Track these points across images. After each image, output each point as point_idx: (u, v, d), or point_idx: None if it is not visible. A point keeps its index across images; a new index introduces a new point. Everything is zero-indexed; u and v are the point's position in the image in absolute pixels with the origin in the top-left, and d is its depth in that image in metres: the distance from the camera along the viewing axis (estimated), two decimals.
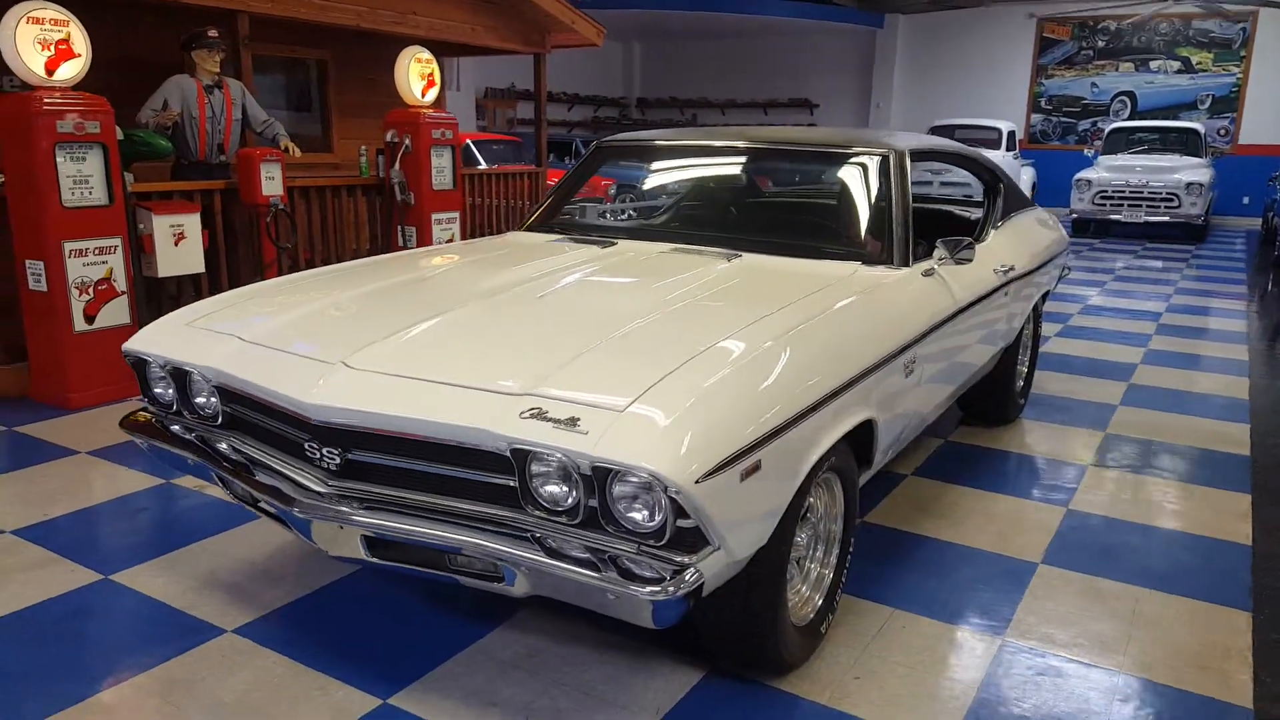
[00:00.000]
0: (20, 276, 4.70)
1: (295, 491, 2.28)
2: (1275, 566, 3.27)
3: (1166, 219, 12.88)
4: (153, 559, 3.12)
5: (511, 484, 2.05)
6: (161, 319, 2.79)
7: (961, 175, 11.90)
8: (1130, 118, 16.75)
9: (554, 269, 3.06)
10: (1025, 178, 16.46)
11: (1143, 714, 2.42)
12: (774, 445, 2.08)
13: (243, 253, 5.89)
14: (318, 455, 2.25)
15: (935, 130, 15.89)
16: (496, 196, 8.63)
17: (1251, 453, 4.41)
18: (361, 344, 2.34)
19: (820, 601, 2.62)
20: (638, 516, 1.94)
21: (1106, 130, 14.68)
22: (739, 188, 4.02)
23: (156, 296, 5.43)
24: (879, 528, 3.50)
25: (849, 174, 3.46)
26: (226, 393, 2.51)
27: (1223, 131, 16.31)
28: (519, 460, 2.00)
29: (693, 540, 1.94)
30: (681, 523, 1.91)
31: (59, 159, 4.50)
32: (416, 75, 6.59)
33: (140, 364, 2.70)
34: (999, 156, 14.92)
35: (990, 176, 4.41)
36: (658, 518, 1.92)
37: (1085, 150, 15.20)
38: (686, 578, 1.90)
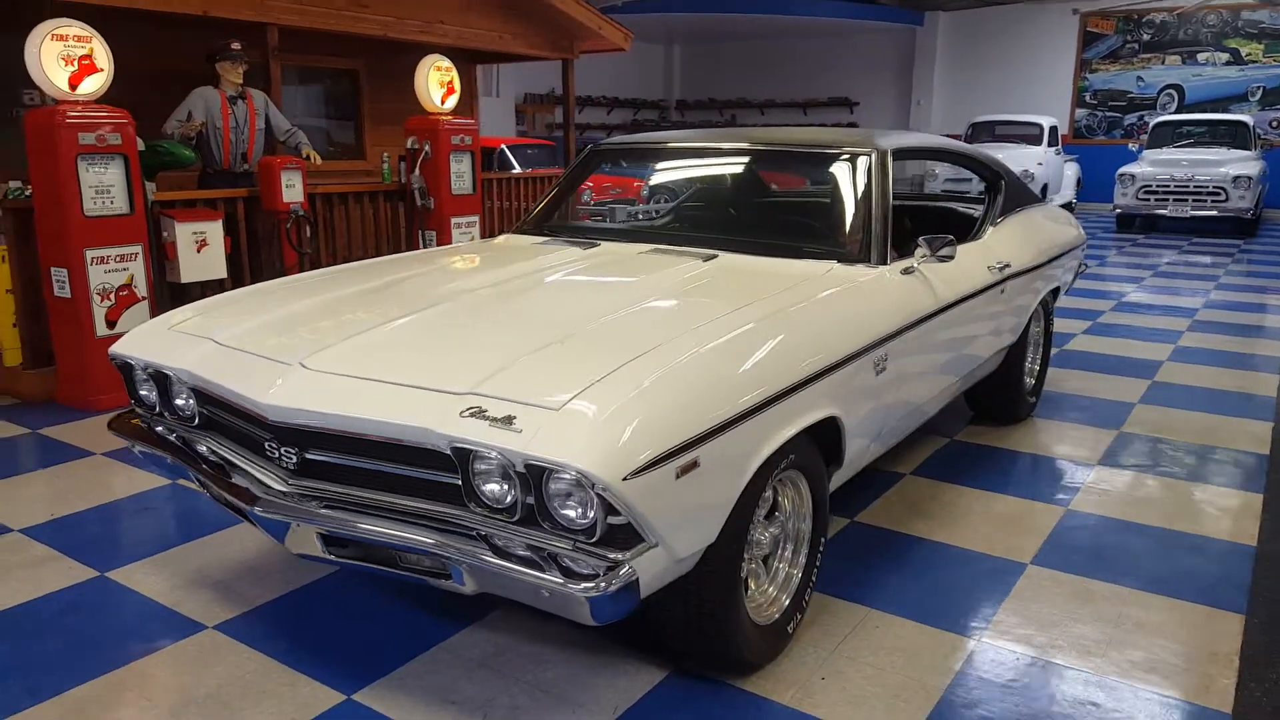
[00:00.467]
0: (46, 283, 4.87)
1: (260, 490, 2.34)
2: (1278, 569, 3.18)
3: (1214, 213, 12.52)
4: (148, 557, 3.22)
5: (457, 482, 2.08)
6: (146, 323, 2.88)
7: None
8: (1178, 111, 16.32)
9: (532, 270, 3.10)
10: (1069, 173, 16.12)
11: (1112, 719, 2.37)
12: (715, 443, 2.09)
13: (265, 258, 6.03)
14: (277, 454, 2.31)
15: (974, 126, 15.67)
16: (524, 199, 8.72)
17: (1271, 451, 4.28)
18: (322, 345, 2.40)
19: (788, 602, 2.61)
20: (571, 514, 1.96)
21: (1151, 124, 14.33)
22: (723, 188, 4.02)
23: (180, 302, 5.57)
24: (868, 527, 3.46)
25: (829, 174, 3.44)
26: (201, 394, 2.59)
27: (1275, 124, 15.80)
28: (461, 459, 2.03)
29: (626, 537, 1.95)
30: (613, 520, 1.92)
31: (81, 170, 4.66)
32: (436, 83, 6.69)
33: (126, 367, 2.79)
34: (1040, 152, 14.65)
35: (990, 173, 4.34)
36: (590, 515, 1.93)
37: (1130, 145, 14.85)
38: (620, 574, 1.91)
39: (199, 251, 5.42)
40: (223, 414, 2.54)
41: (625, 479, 1.87)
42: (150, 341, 2.75)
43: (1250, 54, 16.04)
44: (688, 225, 3.91)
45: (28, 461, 4.20)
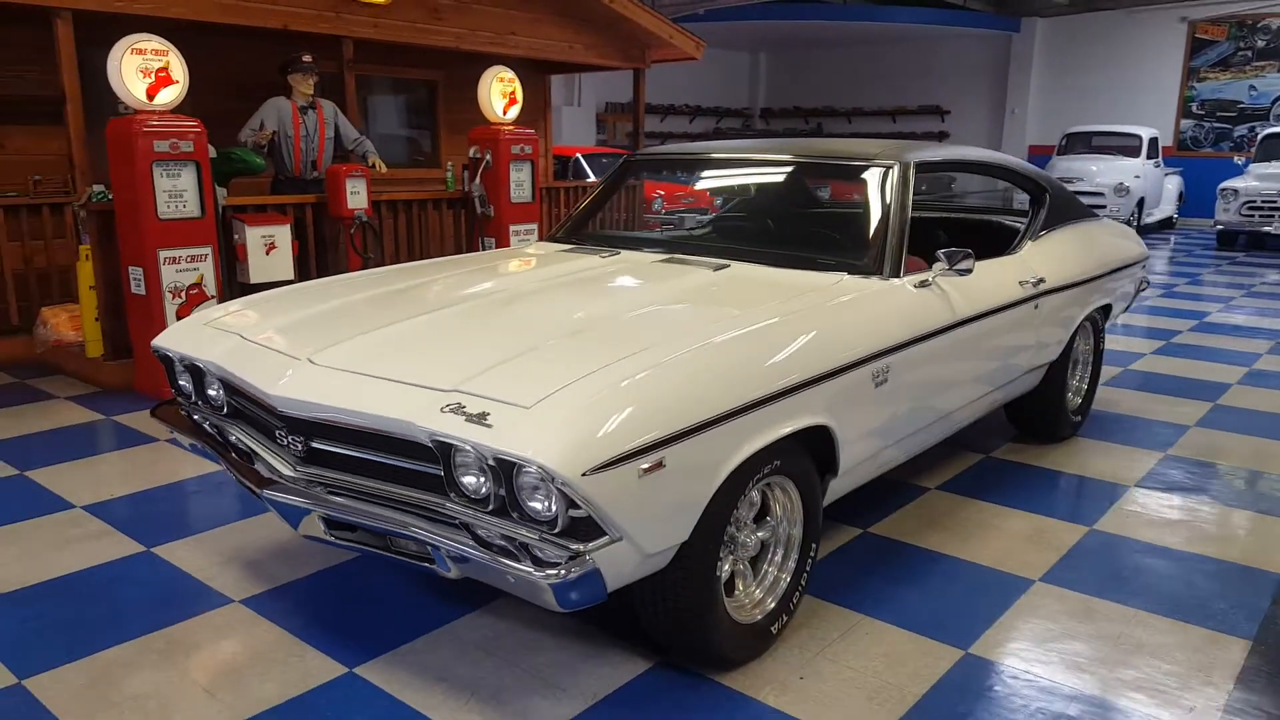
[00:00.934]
0: (125, 281, 5.23)
1: (271, 474, 2.53)
2: None
3: None
4: (191, 535, 3.46)
5: (440, 473, 2.22)
6: (185, 319, 3.11)
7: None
8: None
9: (548, 275, 3.23)
10: (1170, 187, 15.55)
11: None
12: (683, 445, 2.17)
13: (330, 261, 6.32)
14: (287, 442, 2.49)
15: (1069, 137, 15.24)
16: None
17: None
18: (333, 342, 2.57)
19: (774, 604, 2.67)
20: (538, 505, 2.08)
21: (1260, 136, 13.70)
22: (752, 199, 4.09)
23: None
24: (879, 538, 3.48)
25: (849, 186, 3.48)
26: (228, 385, 2.79)
27: None
28: (443, 452, 2.16)
29: (589, 530, 2.06)
30: (574, 513, 2.03)
31: (156, 175, 4.99)
32: (498, 94, 6.91)
33: (166, 359, 3.02)
34: (1138, 165, 14.17)
35: (1033, 186, 4.30)
36: (553, 507, 2.05)
37: (1235, 158, 14.24)
38: (580, 564, 2.02)
39: (268, 254, 5.73)
40: (246, 404, 2.74)
41: (585, 475, 1.97)
42: (186, 336, 2.97)
43: None
44: (713, 235, 3.99)
45: (99, 445, 4.53)
